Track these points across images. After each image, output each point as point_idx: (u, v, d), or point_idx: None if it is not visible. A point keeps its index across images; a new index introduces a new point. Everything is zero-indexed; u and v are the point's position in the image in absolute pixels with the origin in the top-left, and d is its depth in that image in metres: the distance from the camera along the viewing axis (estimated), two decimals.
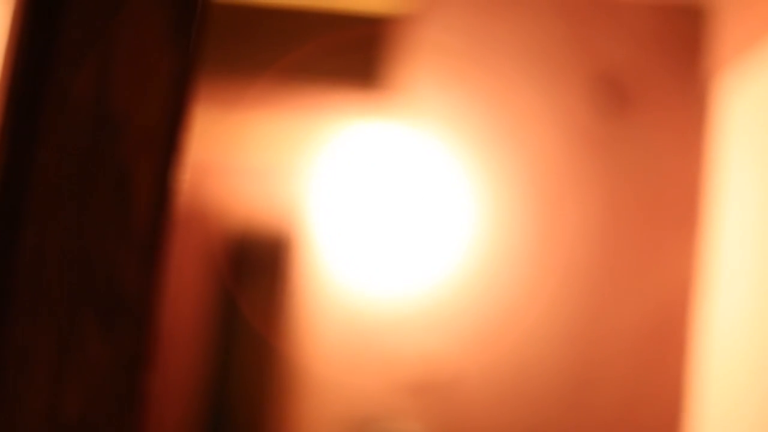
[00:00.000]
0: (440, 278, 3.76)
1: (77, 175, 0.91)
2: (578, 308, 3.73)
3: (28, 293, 0.90)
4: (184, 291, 3.74)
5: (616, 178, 3.78)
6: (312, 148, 3.83)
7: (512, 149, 3.80)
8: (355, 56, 3.88)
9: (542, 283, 3.74)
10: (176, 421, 3.72)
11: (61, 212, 0.91)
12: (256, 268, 3.90)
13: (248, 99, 3.80)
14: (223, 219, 3.80)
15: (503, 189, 3.79)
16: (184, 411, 3.73)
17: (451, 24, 3.84)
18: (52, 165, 0.91)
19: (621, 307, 3.73)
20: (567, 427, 3.69)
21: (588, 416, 3.69)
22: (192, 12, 0.94)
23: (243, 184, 3.82)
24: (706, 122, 3.58)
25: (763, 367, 2.60)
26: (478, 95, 3.82)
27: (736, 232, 2.93)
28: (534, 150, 3.79)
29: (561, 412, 3.70)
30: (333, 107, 3.83)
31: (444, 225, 3.78)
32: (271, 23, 3.85)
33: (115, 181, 0.92)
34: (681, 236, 3.71)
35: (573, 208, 3.77)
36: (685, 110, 3.75)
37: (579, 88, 3.80)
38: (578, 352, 3.72)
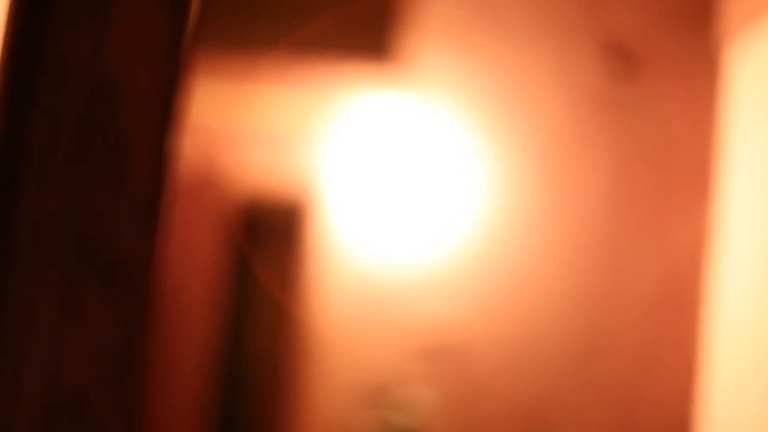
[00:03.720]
0: (451, 245, 3.76)
1: (75, 139, 0.92)
2: (589, 274, 3.73)
3: (27, 257, 0.91)
4: (199, 258, 3.76)
5: (626, 144, 3.76)
6: (324, 117, 3.83)
7: (522, 117, 3.79)
8: (365, 27, 3.87)
9: (552, 249, 3.74)
10: (189, 385, 3.74)
11: (59, 176, 0.91)
12: (270, 235, 3.91)
13: (262, 69, 3.80)
14: (238, 186, 3.81)
15: (513, 156, 3.78)
16: (198, 375, 3.76)
17: None
18: (50, 129, 0.91)
19: (632, 274, 3.73)
20: (577, 393, 3.70)
21: (598, 383, 3.70)
22: None
23: (257, 152, 3.82)
24: (717, 87, 3.56)
25: None
26: (488, 63, 3.80)
27: (747, 198, 2.92)
28: (544, 117, 3.78)
29: (571, 378, 3.70)
30: (344, 78, 3.83)
31: (454, 192, 3.78)
32: None
33: (113, 145, 0.93)
34: (692, 202, 3.70)
35: (583, 174, 3.76)
36: (696, 75, 3.73)
37: (589, 54, 3.78)
38: (589, 318, 3.72)
